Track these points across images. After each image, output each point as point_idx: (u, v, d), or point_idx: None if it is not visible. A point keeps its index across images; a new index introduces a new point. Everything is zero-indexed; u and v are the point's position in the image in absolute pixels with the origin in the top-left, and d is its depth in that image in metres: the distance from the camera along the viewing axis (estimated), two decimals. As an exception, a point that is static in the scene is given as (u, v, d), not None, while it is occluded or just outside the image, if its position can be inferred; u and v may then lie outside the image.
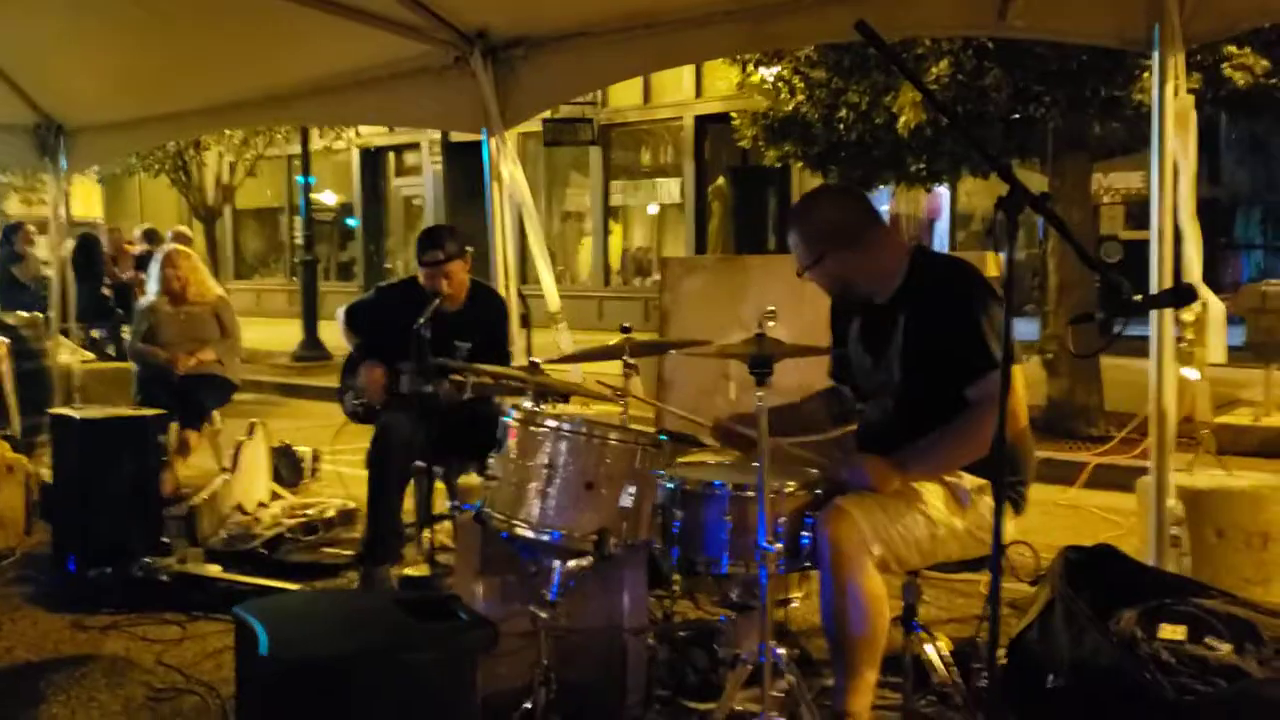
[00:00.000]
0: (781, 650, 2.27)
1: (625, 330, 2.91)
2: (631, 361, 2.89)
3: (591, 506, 2.29)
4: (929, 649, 2.57)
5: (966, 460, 2.42)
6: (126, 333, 7.29)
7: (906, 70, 2.13)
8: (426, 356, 3.56)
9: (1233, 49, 5.43)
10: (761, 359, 2.22)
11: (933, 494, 2.43)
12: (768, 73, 7.03)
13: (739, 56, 6.98)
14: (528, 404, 2.58)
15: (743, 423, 2.61)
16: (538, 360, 2.86)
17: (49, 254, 7.10)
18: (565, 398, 2.93)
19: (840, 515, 2.32)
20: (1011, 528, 2.56)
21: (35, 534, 4.45)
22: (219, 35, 4.46)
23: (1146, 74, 5.00)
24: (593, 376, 4.00)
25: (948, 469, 2.45)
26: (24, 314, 7.05)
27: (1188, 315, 3.09)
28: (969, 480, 2.48)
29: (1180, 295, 2.49)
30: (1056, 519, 4.74)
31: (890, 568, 2.38)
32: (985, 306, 2.38)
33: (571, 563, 2.28)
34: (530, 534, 2.29)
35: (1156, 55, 2.95)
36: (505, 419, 2.43)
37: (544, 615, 2.30)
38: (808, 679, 2.55)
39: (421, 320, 3.66)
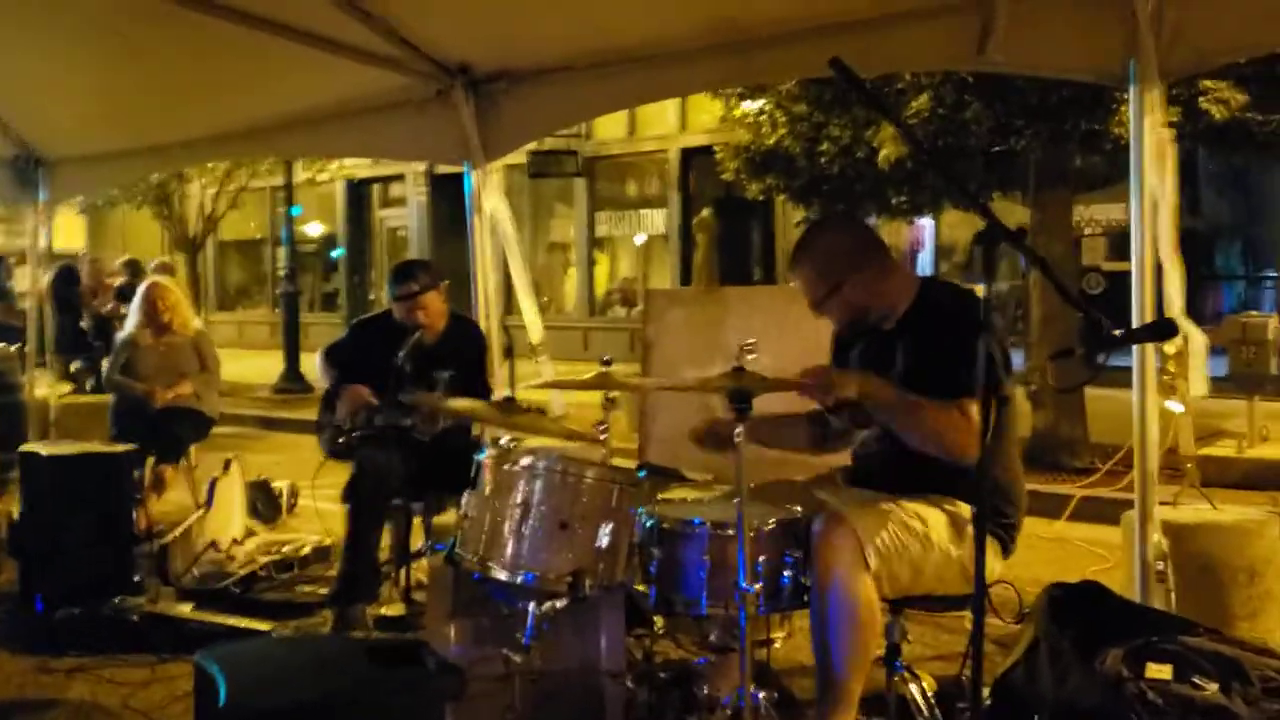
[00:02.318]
0: (761, 694, 2.21)
1: (605, 363, 2.88)
2: (612, 395, 2.85)
3: (566, 547, 2.24)
4: (913, 689, 2.52)
5: (914, 431, 2.35)
6: (105, 365, 7.21)
7: (881, 106, 2.13)
8: (403, 390, 3.52)
9: (1209, 83, 5.49)
10: (740, 393, 2.19)
11: (935, 519, 2.41)
12: (750, 106, 7.08)
13: (722, 90, 7.03)
14: (504, 439, 2.54)
15: (719, 425, 2.57)
16: (512, 396, 2.82)
17: (28, 286, 7.02)
18: (543, 413, 2.88)
19: (838, 523, 2.29)
20: (999, 568, 2.52)
21: (2, 573, 4.35)
22: (201, 68, 4.44)
23: (1125, 107, 5.04)
24: (574, 406, 3.96)
25: (895, 418, 2.38)
26: (1, 346, 6.97)
27: (1170, 348, 3.08)
28: (966, 511, 2.44)
29: (1160, 330, 2.47)
30: (1041, 552, 4.70)
31: (882, 585, 2.33)
32: (984, 335, 2.35)
33: (546, 605, 2.23)
34: (504, 575, 2.24)
35: (1133, 90, 2.96)
36: (478, 456, 2.38)
37: (518, 659, 2.25)
38: (790, 721, 2.50)
39: (402, 354, 3.62)
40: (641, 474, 2.48)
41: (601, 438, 2.68)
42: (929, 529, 2.38)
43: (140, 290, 5.64)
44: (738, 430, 2.19)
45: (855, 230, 2.68)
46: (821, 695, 2.32)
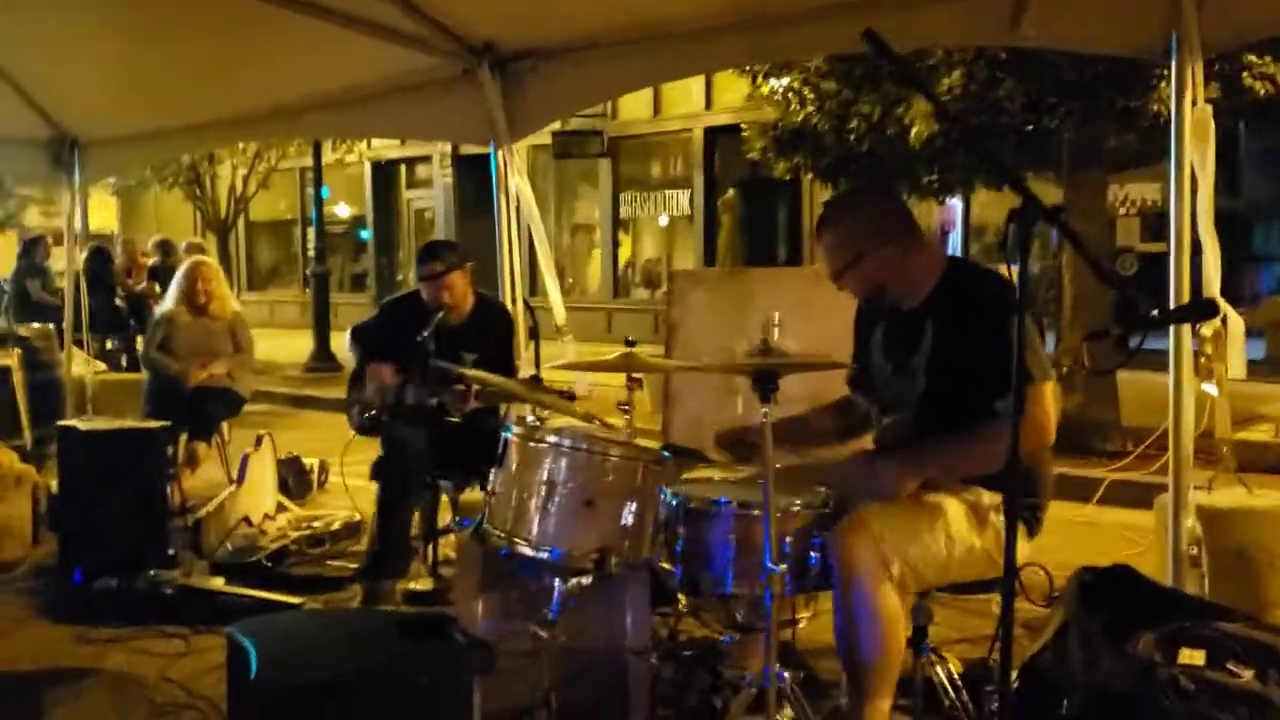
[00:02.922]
0: (787, 674, 2.21)
1: (630, 344, 2.87)
2: (636, 375, 2.84)
3: (592, 524, 2.25)
4: (939, 671, 2.51)
5: (982, 468, 2.34)
6: (140, 344, 7.31)
7: (915, 80, 2.10)
8: (430, 367, 3.54)
9: (1253, 58, 5.35)
10: (765, 374, 2.17)
11: (955, 511, 2.37)
12: (777, 84, 6.99)
13: (748, 68, 6.95)
14: (530, 418, 2.54)
15: (746, 434, 2.56)
16: (539, 375, 2.82)
17: (64, 266, 7.13)
18: (572, 398, 2.89)
19: (858, 529, 2.26)
20: (1026, 549, 2.50)
21: (43, 545, 4.45)
22: (231, 49, 4.47)
23: (1163, 84, 4.94)
24: (599, 387, 3.95)
25: (963, 471, 2.38)
26: (36, 325, 7.08)
27: (1206, 330, 3.02)
28: (987, 498, 2.42)
29: (1199, 310, 2.43)
30: (1072, 536, 4.65)
31: (907, 586, 2.31)
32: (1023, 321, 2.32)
33: (572, 581, 2.24)
34: (530, 551, 2.25)
35: (1174, 64, 2.89)
36: (506, 434, 2.39)
37: (544, 634, 2.26)
38: (816, 701, 2.50)
39: (425, 333, 3.64)
40: (666, 454, 2.47)
41: (624, 418, 2.68)
42: (949, 523, 2.35)
43: (183, 268, 5.68)
44: (763, 410, 2.18)
45: (884, 203, 2.61)
46: (852, 700, 2.31)
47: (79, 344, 6.44)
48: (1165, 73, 3.01)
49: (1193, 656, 2.26)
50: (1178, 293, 2.92)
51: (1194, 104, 2.89)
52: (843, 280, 2.53)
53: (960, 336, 2.37)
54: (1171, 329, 2.92)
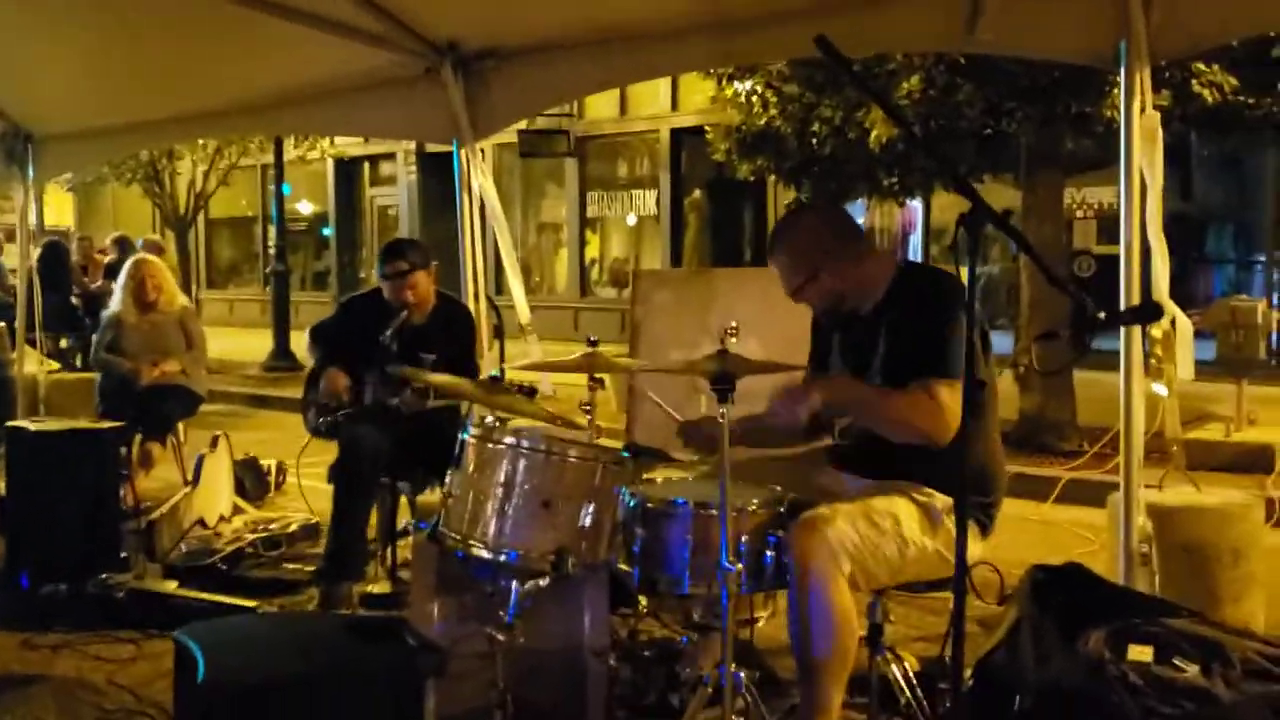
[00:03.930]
0: (743, 672, 2.22)
1: (592, 343, 2.87)
2: (599, 375, 2.84)
3: (549, 525, 2.24)
4: (895, 669, 2.53)
5: (879, 426, 2.41)
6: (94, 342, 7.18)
7: (867, 86, 2.11)
8: (391, 367, 3.51)
9: (1201, 66, 5.47)
10: (723, 376, 2.18)
11: (906, 513, 2.41)
12: (741, 87, 7.04)
13: (713, 71, 6.99)
14: (489, 418, 2.53)
15: (710, 426, 2.58)
16: (500, 374, 2.81)
17: (16, 263, 6.98)
18: (533, 393, 2.88)
19: (809, 529, 2.28)
20: (980, 548, 2.53)
21: (-11, 549, 4.35)
22: (189, 44, 4.40)
23: (1116, 90, 5.03)
24: (562, 386, 3.95)
25: (861, 414, 2.47)
26: (-13, 324, 6.92)
27: (1156, 331, 3.08)
28: (940, 500, 2.45)
29: (1146, 313, 2.48)
30: (1027, 535, 4.73)
31: (859, 585, 2.34)
32: (956, 318, 2.36)
33: (529, 583, 2.23)
34: (486, 554, 2.24)
35: (1123, 72, 2.95)
36: (463, 435, 2.38)
37: (501, 636, 2.25)
38: (773, 700, 2.51)
39: (388, 332, 3.61)
40: (626, 454, 2.47)
41: (586, 418, 2.67)
42: (901, 526, 2.38)
43: (125, 268, 5.61)
44: (720, 411, 2.19)
45: (831, 217, 2.67)
46: (804, 696, 2.33)
47: (31, 343, 6.31)
48: (1117, 79, 3.07)
49: (1141, 653, 2.31)
50: (1128, 295, 2.98)
51: (1143, 110, 2.95)
52: (801, 296, 2.59)
53: (903, 333, 2.43)
54: (1122, 331, 2.98)
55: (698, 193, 14.44)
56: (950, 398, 2.28)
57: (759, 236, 13.96)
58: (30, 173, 5.83)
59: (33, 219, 6.14)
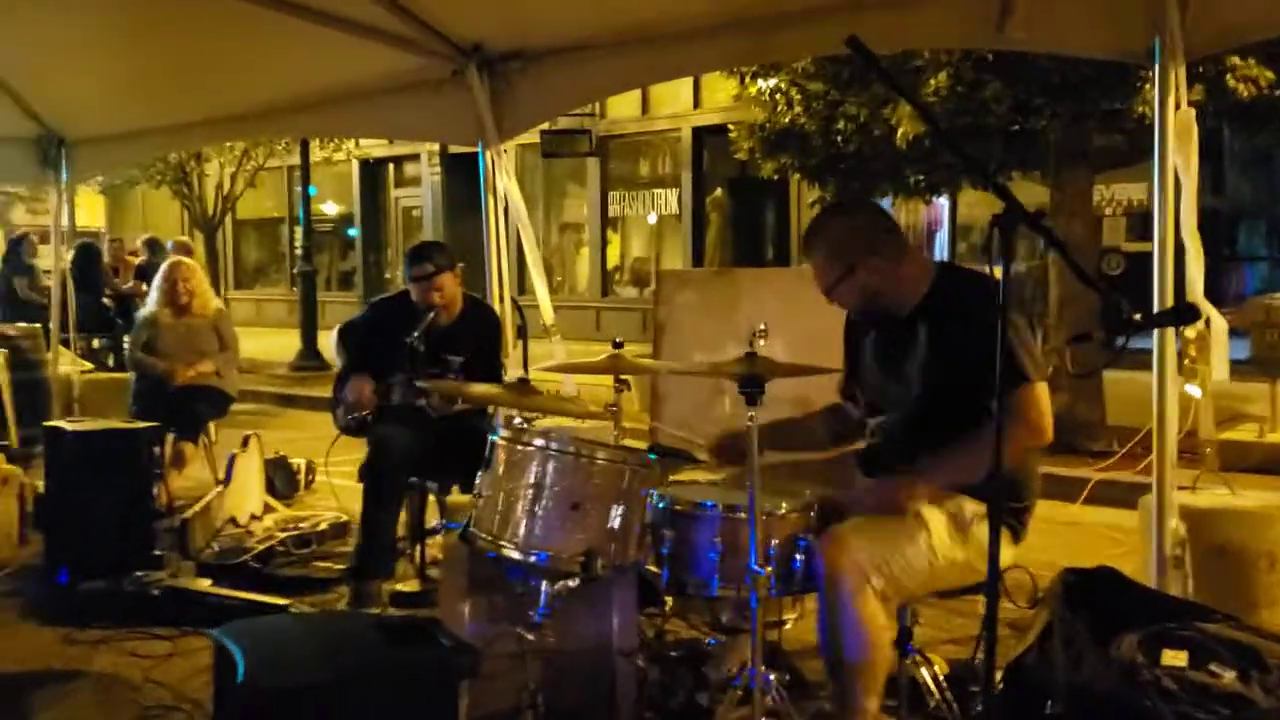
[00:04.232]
0: (772, 674, 2.22)
1: (617, 345, 2.88)
2: (624, 376, 2.85)
3: (579, 527, 2.25)
4: (924, 672, 2.52)
5: (982, 474, 2.35)
6: (127, 342, 7.29)
7: (899, 86, 2.10)
8: (418, 369, 3.54)
9: (1236, 60, 5.38)
10: (752, 379, 2.18)
11: (937, 523, 2.38)
12: (765, 85, 7.01)
13: (736, 68, 6.96)
14: (517, 419, 2.54)
15: (737, 439, 2.57)
16: (526, 377, 2.82)
17: (51, 264, 7.09)
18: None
19: (839, 544, 2.27)
20: (1011, 553, 2.51)
21: (29, 545, 4.43)
22: (218, 48, 4.45)
23: (1148, 86, 4.96)
24: (587, 386, 3.96)
25: (968, 479, 2.38)
26: (23, 325, 7.04)
27: (1190, 332, 3.04)
28: (970, 508, 2.43)
29: (1182, 314, 2.44)
30: (1057, 537, 4.68)
31: (888, 597, 2.32)
32: (1013, 323, 2.33)
33: (559, 584, 2.24)
34: (516, 555, 2.25)
35: (1157, 68, 2.91)
36: (493, 437, 2.39)
37: (531, 637, 2.26)
38: (802, 702, 2.51)
39: (416, 334, 3.64)
40: (652, 456, 2.48)
41: (612, 420, 2.68)
42: (931, 535, 2.36)
43: (161, 269, 5.68)
44: (749, 414, 2.19)
45: (868, 214, 2.64)
46: (836, 700, 2.32)
47: (65, 343, 6.41)
48: (1149, 75, 3.03)
49: (1175, 658, 2.28)
50: (1162, 295, 2.94)
51: (1177, 107, 2.91)
52: (836, 294, 2.54)
53: (953, 339, 2.38)
54: (1155, 331, 2.94)
55: (719, 191, 14.41)
56: (1042, 399, 2.33)
57: (781, 235, 13.91)
58: (64, 176, 5.93)
59: (65, 221, 6.23)
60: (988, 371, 2.26)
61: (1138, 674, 2.24)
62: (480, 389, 3.05)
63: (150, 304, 5.60)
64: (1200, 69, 5.17)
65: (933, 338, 2.43)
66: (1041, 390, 2.38)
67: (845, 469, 2.72)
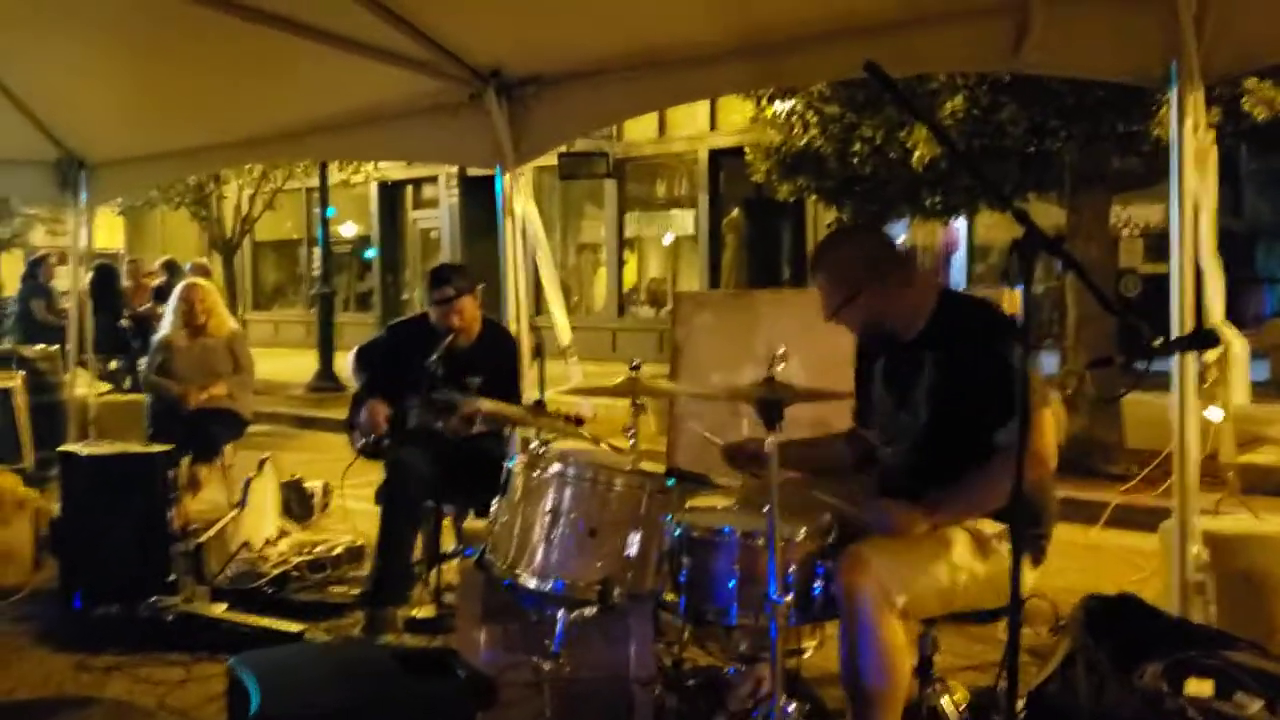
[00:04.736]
0: (792, 705, 2.19)
1: (635, 368, 2.87)
2: (640, 400, 2.84)
3: (595, 555, 2.24)
4: (945, 700, 2.49)
5: (994, 507, 2.36)
6: (143, 365, 7.34)
7: (916, 110, 2.10)
8: (435, 392, 3.54)
9: (1252, 82, 5.37)
10: (771, 404, 2.17)
11: (958, 541, 2.37)
12: (781, 107, 7.03)
13: (753, 91, 6.99)
14: (534, 444, 2.53)
15: (754, 446, 2.56)
16: (543, 400, 2.82)
17: (69, 285, 7.15)
18: (580, 423, 2.89)
19: (860, 564, 2.25)
20: (1032, 577, 2.49)
21: (44, 569, 4.43)
22: (237, 72, 4.50)
23: (1164, 109, 4.95)
24: (603, 407, 3.96)
25: (975, 514, 2.40)
26: (40, 347, 7.09)
27: (1210, 355, 3.01)
28: (989, 527, 2.41)
29: (1201, 340, 2.42)
30: (1077, 561, 4.63)
31: (909, 615, 2.31)
32: (1016, 353, 2.33)
33: (575, 612, 2.22)
34: (533, 583, 2.24)
35: (1174, 92, 2.90)
36: (509, 463, 2.38)
37: (547, 666, 2.24)
38: (821, 731, 2.48)
39: (434, 357, 3.65)
40: (670, 481, 2.46)
41: (629, 442, 2.67)
42: (952, 554, 2.35)
43: (176, 291, 5.71)
44: (769, 441, 2.17)
45: (873, 240, 2.66)
46: None
47: (82, 364, 6.44)
48: (1166, 98, 3.01)
49: (1200, 687, 2.24)
50: (1181, 319, 2.91)
51: (1195, 130, 2.89)
52: (840, 318, 2.57)
53: (958, 367, 2.40)
54: (1175, 354, 2.91)
55: (736, 213, 14.44)
56: (1044, 427, 2.33)
57: (798, 257, 13.91)
58: (83, 198, 5.99)
59: (84, 242, 6.28)
60: (991, 399, 2.28)
61: (1162, 703, 2.20)
62: (494, 404, 3.04)
63: (165, 326, 5.63)
64: (1216, 91, 5.14)
65: (938, 365, 2.44)
66: (1044, 418, 2.35)
67: (862, 489, 2.69)
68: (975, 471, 2.33)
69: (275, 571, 4.23)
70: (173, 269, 11.08)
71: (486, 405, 3.09)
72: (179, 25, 4.09)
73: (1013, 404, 2.25)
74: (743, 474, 2.76)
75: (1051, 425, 2.43)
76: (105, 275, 10.08)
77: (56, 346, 6.99)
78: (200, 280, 6.03)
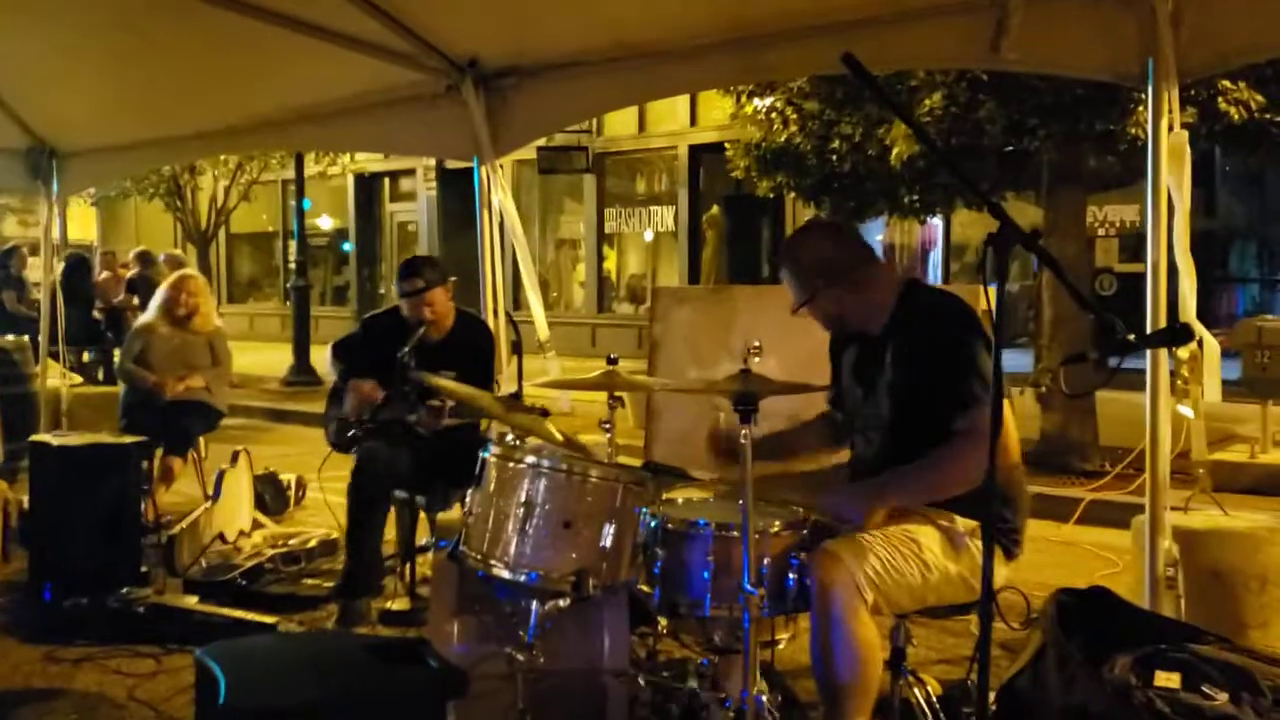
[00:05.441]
0: (764, 695, 2.19)
1: (612, 361, 2.86)
2: (618, 393, 2.84)
3: (570, 546, 2.23)
4: (917, 693, 2.50)
5: (947, 491, 2.37)
6: (117, 356, 7.25)
7: (893, 104, 2.10)
8: (408, 383, 3.51)
9: (1227, 84, 5.43)
10: (746, 396, 2.17)
11: (929, 538, 2.38)
12: (761, 104, 7.04)
13: (733, 87, 7.00)
14: (509, 436, 2.52)
15: (734, 439, 2.57)
16: (519, 392, 2.81)
17: (40, 277, 7.07)
18: (546, 414, 2.87)
19: (831, 559, 2.27)
20: (1005, 571, 2.50)
21: (13, 561, 4.38)
22: (213, 61, 4.45)
23: (1141, 108, 5.00)
24: (580, 402, 3.95)
25: (927, 497, 2.41)
26: (11, 338, 6.99)
27: (1183, 353, 3.05)
28: (962, 524, 2.43)
29: (1175, 335, 2.43)
30: (1049, 556, 4.68)
31: (881, 610, 2.33)
32: (973, 341, 2.35)
33: (549, 604, 2.21)
34: (507, 574, 2.23)
35: (1150, 90, 2.93)
36: (484, 454, 2.37)
37: (520, 657, 2.23)
38: (794, 723, 2.49)
39: (406, 349, 3.62)
40: (646, 474, 2.46)
41: (605, 435, 2.66)
42: (923, 550, 2.36)
43: (171, 279, 5.60)
44: (743, 433, 2.17)
45: (836, 242, 2.62)
46: (827, 718, 2.30)
47: (54, 356, 6.36)
48: (1143, 97, 3.04)
49: (1168, 679, 2.27)
50: (1155, 315, 2.95)
51: (1170, 129, 2.92)
52: (803, 313, 2.59)
53: (913, 357, 2.41)
54: (1148, 352, 2.94)
55: (715, 209, 14.46)
56: (1005, 416, 2.28)
57: (777, 253, 13.93)
58: (54, 188, 5.91)
59: (56, 234, 6.20)
60: (947, 387, 2.29)
61: (1131, 695, 2.23)
62: (465, 388, 3.01)
63: (148, 313, 5.53)
64: (1192, 92, 5.21)
65: (896, 355, 2.45)
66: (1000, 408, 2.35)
67: (837, 481, 2.71)
68: (928, 455, 2.34)
69: (249, 564, 4.20)
70: (147, 261, 10.95)
71: (456, 387, 3.06)
72: (153, 13, 4.05)
73: (970, 390, 2.28)
74: (721, 465, 2.75)
75: (1010, 415, 2.45)
76: (77, 267, 9.96)
77: (27, 337, 6.90)
78: (195, 273, 5.93)
